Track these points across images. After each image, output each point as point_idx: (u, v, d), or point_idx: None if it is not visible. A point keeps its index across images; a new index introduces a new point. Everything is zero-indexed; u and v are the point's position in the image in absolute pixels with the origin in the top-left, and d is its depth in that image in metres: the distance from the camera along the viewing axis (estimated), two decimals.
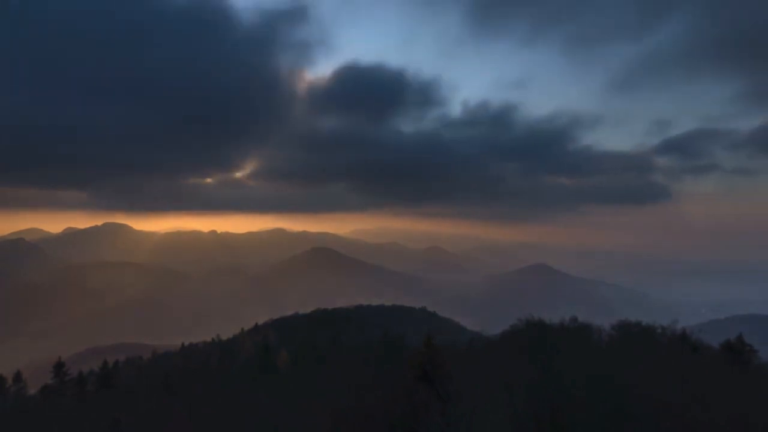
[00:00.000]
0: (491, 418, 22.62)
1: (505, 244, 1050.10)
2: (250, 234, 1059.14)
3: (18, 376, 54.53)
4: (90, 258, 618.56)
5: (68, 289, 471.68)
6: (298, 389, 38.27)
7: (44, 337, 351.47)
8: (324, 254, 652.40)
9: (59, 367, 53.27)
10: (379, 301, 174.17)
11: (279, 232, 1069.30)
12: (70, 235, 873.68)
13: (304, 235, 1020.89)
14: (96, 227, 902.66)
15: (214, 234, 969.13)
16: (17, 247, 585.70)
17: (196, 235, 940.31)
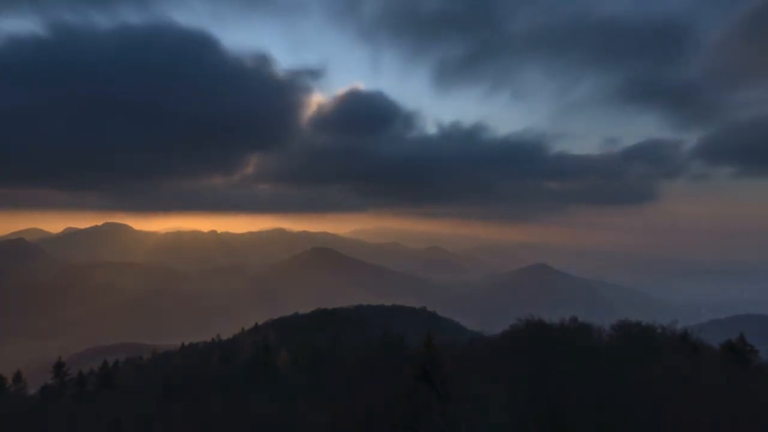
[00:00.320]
0: (491, 418, 22.62)
1: (505, 244, 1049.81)
2: (250, 234, 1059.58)
3: (18, 376, 54.46)
4: (90, 258, 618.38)
5: (68, 289, 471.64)
6: (298, 389, 38.26)
7: (44, 337, 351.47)
8: (324, 254, 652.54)
9: (59, 367, 53.24)
10: (379, 301, 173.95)
11: (279, 232, 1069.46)
12: (70, 235, 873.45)
13: (304, 235, 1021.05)
14: (96, 227, 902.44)
15: (214, 234, 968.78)
16: (17, 247, 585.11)
17: (196, 235, 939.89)
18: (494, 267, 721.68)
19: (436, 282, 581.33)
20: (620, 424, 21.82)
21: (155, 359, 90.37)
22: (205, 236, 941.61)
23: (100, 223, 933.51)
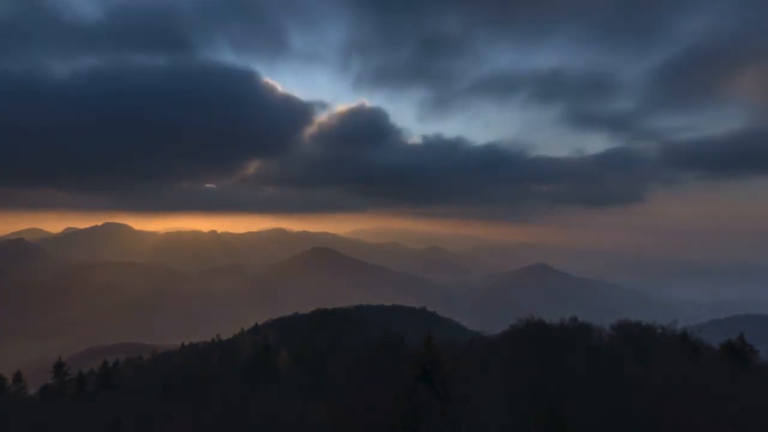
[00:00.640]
0: (491, 418, 22.62)
1: (505, 244, 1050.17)
2: (250, 234, 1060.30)
3: (18, 376, 54.45)
4: (90, 258, 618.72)
5: (68, 289, 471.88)
6: (298, 389, 38.25)
7: (44, 337, 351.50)
8: (324, 254, 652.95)
9: (59, 367, 53.25)
10: (379, 301, 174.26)
11: (279, 232, 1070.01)
12: (70, 235, 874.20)
13: (304, 235, 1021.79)
14: (96, 227, 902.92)
15: (214, 234, 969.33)
16: (17, 247, 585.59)
17: (196, 235, 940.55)
18: (494, 267, 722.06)
19: (436, 282, 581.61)
20: (620, 424, 21.82)
21: (155, 359, 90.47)
22: (205, 236, 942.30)
23: (100, 223, 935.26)
